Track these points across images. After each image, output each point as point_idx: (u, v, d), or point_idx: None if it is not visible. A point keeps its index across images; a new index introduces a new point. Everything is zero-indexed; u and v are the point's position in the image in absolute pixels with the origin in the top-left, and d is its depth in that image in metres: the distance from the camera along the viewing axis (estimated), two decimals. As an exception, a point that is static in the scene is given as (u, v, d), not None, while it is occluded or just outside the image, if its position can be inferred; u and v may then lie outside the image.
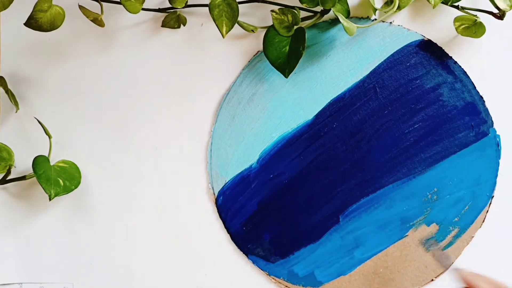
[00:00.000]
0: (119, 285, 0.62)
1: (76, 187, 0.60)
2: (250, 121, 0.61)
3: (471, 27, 0.58)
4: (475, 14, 0.58)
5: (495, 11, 0.57)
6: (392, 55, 0.60)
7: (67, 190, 0.59)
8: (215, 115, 0.61)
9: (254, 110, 0.61)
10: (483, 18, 0.57)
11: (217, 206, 0.61)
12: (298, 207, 0.60)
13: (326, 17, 0.59)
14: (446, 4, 0.58)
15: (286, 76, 0.58)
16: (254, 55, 0.61)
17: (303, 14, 0.59)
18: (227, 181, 0.61)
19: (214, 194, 0.61)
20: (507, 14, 0.57)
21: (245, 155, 0.61)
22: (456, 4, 0.58)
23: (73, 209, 0.62)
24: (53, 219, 0.62)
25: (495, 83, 0.59)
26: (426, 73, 0.59)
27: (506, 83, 0.60)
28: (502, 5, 0.56)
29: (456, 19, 0.58)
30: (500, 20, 0.57)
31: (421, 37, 0.60)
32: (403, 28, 0.60)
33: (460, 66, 0.59)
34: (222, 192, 0.61)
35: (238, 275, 0.61)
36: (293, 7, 0.58)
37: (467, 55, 0.60)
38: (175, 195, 0.62)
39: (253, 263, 0.61)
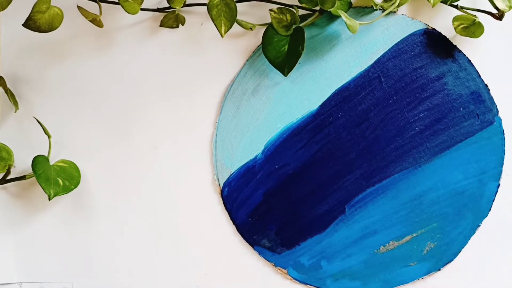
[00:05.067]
0: (119, 284, 0.62)
1: (75, 187, 0.59)
2: (255, 112, 0.61)
3: (470, 27, 0.58)
4: (474, 14, 0.58)
5: (494, 11, 0.57)
6: (397, 44, 0.60)
7: (66, 189, 0.58)
8: (219, 106, 0.61)
9: (259, 101, 0.61)
10: (482, 18, 0.57)
11: (222, 197, 0.61)
12: (304, 198, 0.60)
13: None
14: (445, 3, 0.58)
15: (285, 74, 0.58)
16: (258, 46, 0.61)
17: (302, 11, 0.59)
18: (232, 172, 0.61)
19: (219, 185, 0.61)
20: (506, 15, 0.57)
21: (250, 146, 0.61)
22: (455, 3, 0.58)
23: (73, 209, 0.62)
24: (53, 218, 0.62)
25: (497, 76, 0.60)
26: (431, 62, 0.59)
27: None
28: (501, 6, 0.56)
29: (455, 19, 0.58)
30: (499, 21, 0.57)
31: (425, 26, 0.60)
32: (407, 18, 0.60)
33: (464, 55, 0.59)
34: (227, 183, 0.61)
35: (244, 266, 0.61)
36: (291, 6, 0.58)
37: (467, 54, 0.60)
38: (180, 188, 0.61)
39: (259, 254, 0.61)
